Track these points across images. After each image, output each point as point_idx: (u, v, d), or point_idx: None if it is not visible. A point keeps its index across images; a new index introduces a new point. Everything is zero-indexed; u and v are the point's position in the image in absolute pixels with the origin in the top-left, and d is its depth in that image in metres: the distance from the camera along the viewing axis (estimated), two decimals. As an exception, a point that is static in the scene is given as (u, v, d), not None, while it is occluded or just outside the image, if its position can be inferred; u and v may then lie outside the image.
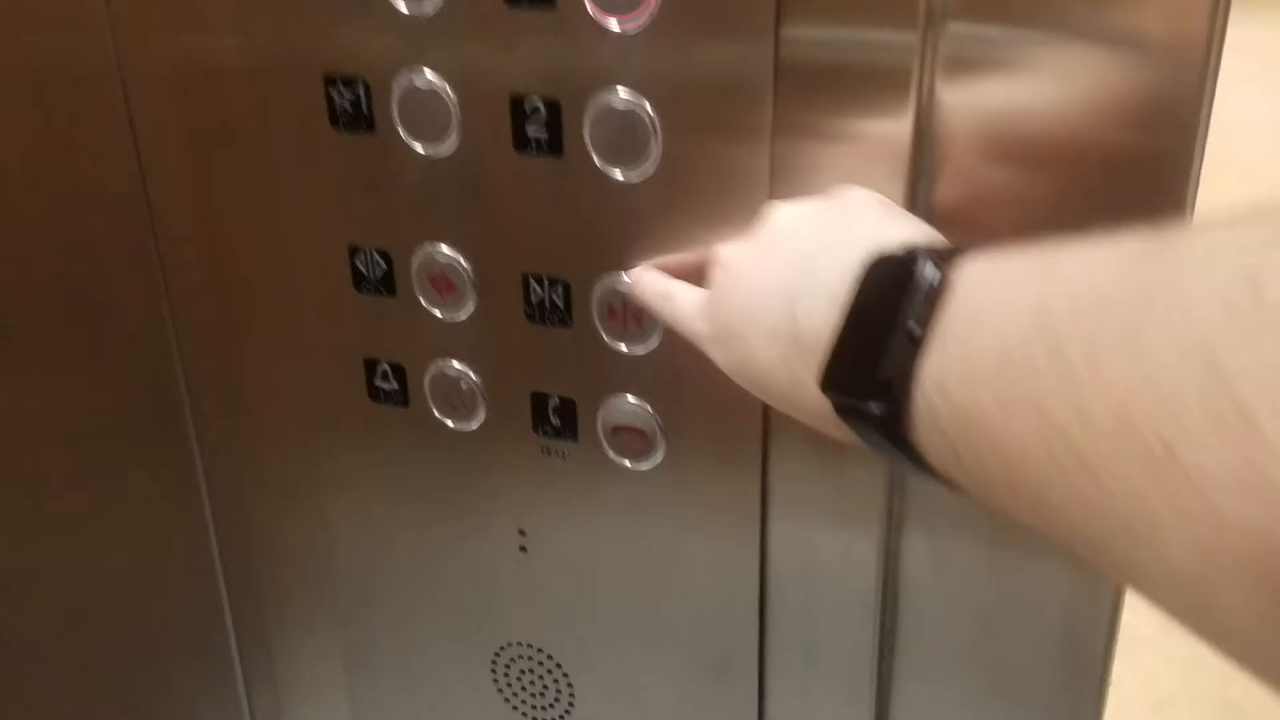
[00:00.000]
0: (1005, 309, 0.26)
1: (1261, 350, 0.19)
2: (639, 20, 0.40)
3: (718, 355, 0.39)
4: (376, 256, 0.51)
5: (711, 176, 0.43)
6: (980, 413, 0.26)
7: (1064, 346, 0.23)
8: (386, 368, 0.54)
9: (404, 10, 0.43)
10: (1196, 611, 0.21)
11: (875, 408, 0.29)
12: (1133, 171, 0.39)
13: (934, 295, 0.28)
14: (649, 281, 0.45)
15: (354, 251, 0.51)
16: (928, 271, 0.29)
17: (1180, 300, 0.21)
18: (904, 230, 0.35)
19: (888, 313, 0.29)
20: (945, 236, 0.40)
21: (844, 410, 0.32)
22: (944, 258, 0.29)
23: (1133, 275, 0.23)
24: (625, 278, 0.46)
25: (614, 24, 0.41)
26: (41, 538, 0.67)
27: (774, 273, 0.36)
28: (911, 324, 0.28)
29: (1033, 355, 0.24)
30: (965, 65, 0.39)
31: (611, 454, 0.51)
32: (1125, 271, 0.23)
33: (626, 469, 0.51)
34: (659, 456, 0.50)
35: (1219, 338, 0.20)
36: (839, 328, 0.32)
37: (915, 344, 0.28)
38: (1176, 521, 0.20)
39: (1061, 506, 0.24)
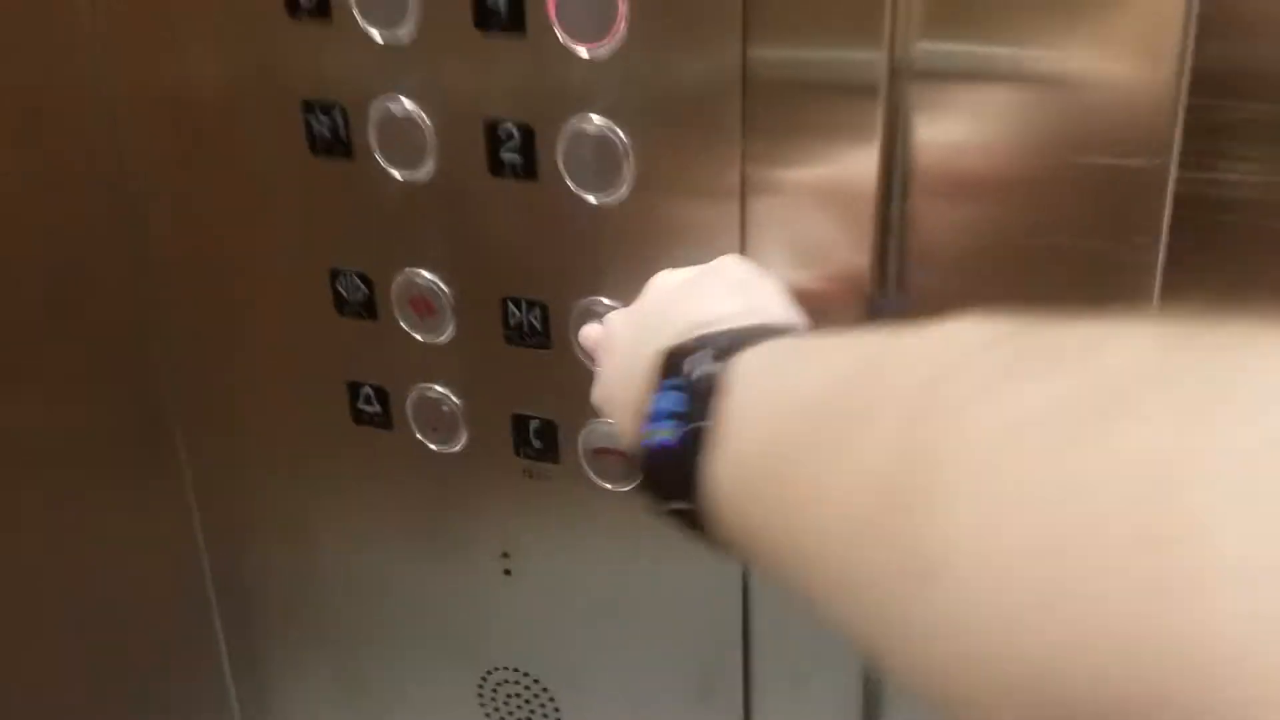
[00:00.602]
0: (767, 409, 0.26)
1: (931, 492, 0.18)
2: (607, 46, 0.41)
3: (612, 420, 0.39)
4: (357, 280, 0.51)
5: (683, 197, 0.43)
6: (745, 515, 0.26)
7: (793, 455, 0.23)
8: (369, 391, 0.54)
9: (379, 40, 0.43)
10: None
11: (678, 505, 0.29)
12: (1105, 190, 0.39)
13: (713, 392, 0.28)
14: (589, 340, 0.45)
15: (335, 275, 0.51)
16: (708, 367, 0.29)
17: (869, 427, 0.21)
18: (734, 304, 0.35)
19: (680, 409, 0.29)
20: (919, 251, 0.40)
21: (652, 509, 0.32)
22: (729, 350, 0.29)
23: (851, 385, 0.23)
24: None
25: (583, 51, 0.41)
26: (35, 563, 0.67)
27: (639, 347, 0.36)
28: (697, 422, 0.28)
29: (777, 457, 0.24)
30: (935, 83, 0.39)
31: (593, 475, 0.51)
32: (846, 381, 0.23)
33: (608, 491, 0.51)
34: (640, 477, 0.50)
35: (894, 470, 0.19)
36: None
37: (701, 442, 0.28)
38: (900, 633, 0.20)
39: (821, 603, 0.23)
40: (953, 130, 0.40)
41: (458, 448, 0.53)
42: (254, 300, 0.55)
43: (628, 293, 0.46)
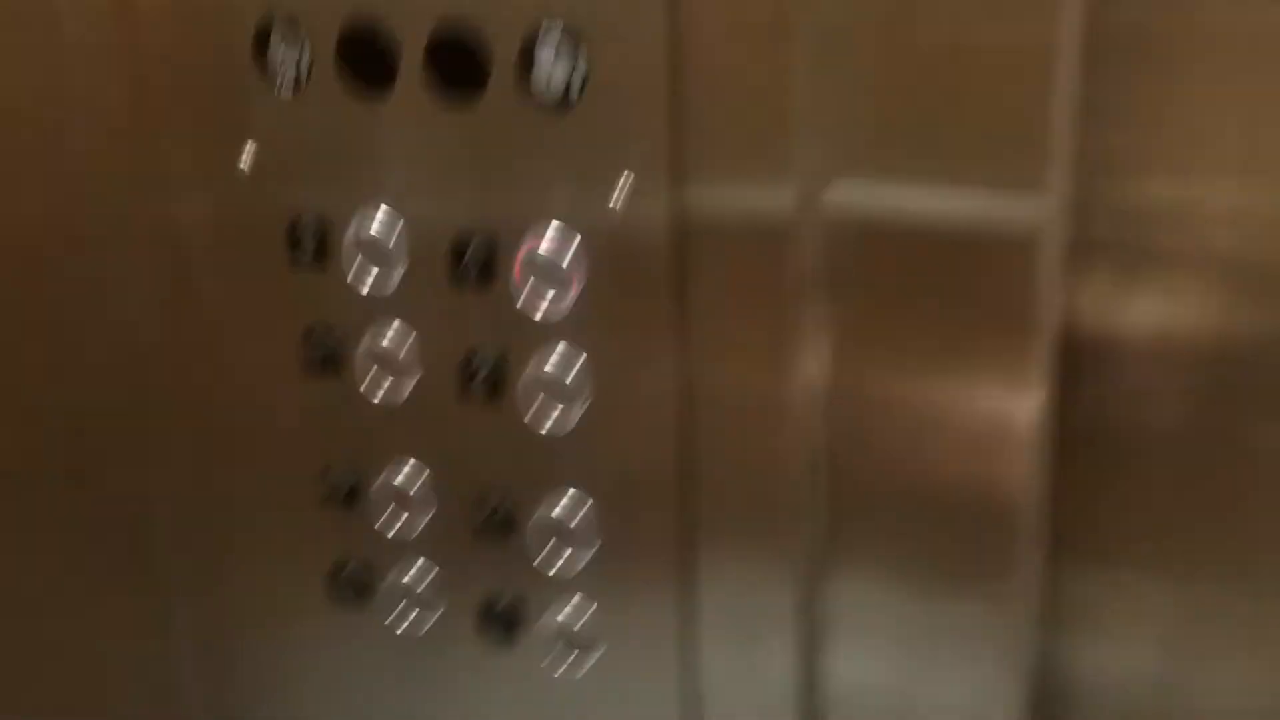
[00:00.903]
0: None
1: None
2: (564, 299, 0.48)
3: None
4: (342, 478, 0.57)
5: (631, 411, 0.50)
6: None
7: None
8: (348, 573, 0.59)
9: (364, 293, 0.51)
10: None
11: None
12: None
13: None
14: None
15: (323, 472, 0.57)
16: None
17: None
18: None
19: None
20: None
21: None
22: None
23: None
24: None
25: (544, 304, 0.48)
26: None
27: None
28: None
29: None
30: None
31: (552, 661, 0.56)
32: None
33: (566, 674, 0.56)
34: (593, 659, 0.56)
35: None
36: None
37: None
38: None
39: None
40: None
41: (425, 629, 0.59)
42: (247, 490, 0.61)
43: (589, 486, 0.53)
